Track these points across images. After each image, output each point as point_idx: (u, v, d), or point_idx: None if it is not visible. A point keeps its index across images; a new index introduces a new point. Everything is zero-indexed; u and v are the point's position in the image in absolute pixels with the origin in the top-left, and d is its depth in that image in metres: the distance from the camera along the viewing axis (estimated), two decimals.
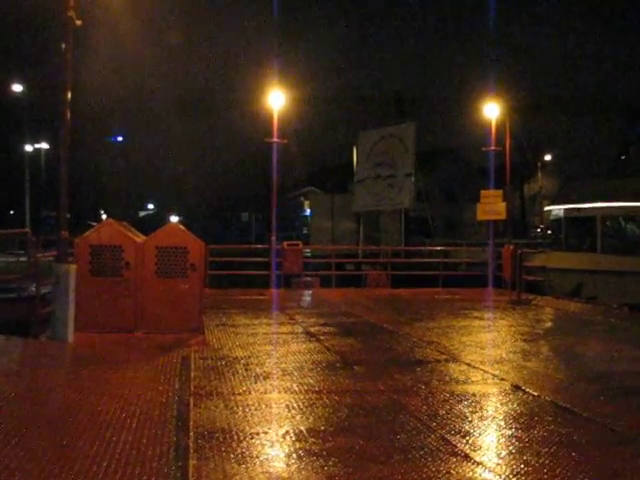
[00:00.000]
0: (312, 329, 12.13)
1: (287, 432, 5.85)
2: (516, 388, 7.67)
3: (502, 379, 8.15)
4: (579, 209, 29.39)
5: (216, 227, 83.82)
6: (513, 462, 5.23)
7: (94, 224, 13.70)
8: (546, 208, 36.54)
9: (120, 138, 72.14)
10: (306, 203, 62.27)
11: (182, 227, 12.01)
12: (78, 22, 10.49)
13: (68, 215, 10.91)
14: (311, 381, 7.85)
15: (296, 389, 7.44)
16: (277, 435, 5.78)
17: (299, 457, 5.24)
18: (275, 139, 22.15)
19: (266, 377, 8.04)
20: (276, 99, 21.99)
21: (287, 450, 5.42)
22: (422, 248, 31.60)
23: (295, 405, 6.74)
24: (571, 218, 30.02)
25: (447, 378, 8.18)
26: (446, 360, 9.38)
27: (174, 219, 73.24)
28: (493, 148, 23.52)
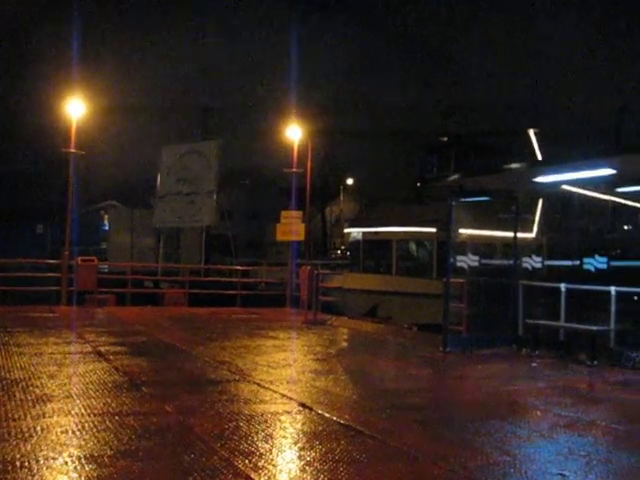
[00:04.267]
0: (102, 349, 11.70)
1: (64, 459, 5.54)
2: (303, 407, 7.78)
3: (291, 398, 8.24)
4: (376, 232, 30.63)
5: (6, 239, 78.77)
6: None
7: None
8: (346, 230, 37.78)
9: None
10: (106, 217, 60.32)
11: None
12: None
13: None
14: (95, 403, 7.53)
15: (78, 412, 7.09)
16: (52, 463, 5.45)
17: None
18: (73, 149, 21.31)
19: (47, 400, 7.60)
20: (75, 108, 21.17)
21: (61, 479, 5.13)
22: (222, 267, 31.58)
23: (75, 429, 6.42)
24: (369, 241, 31.22)
25: (236, 398, 8.15)
26: (237, 380, 9.37)
27: None
28: (295, 169, 24.02)
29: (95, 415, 6.99)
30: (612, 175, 11.26)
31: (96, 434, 6.28)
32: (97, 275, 20.78)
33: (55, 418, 6.85)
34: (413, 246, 30.19)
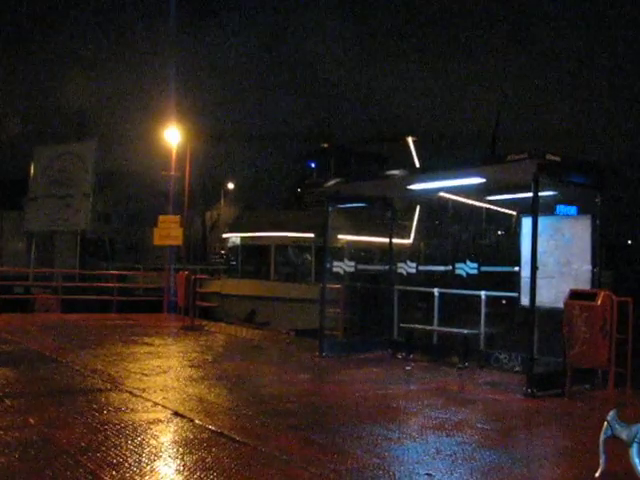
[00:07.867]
0: None
1: None
2: (176, 415, 7.65)
3: (163, 406, 8.08)
4: (255, 237, 30.58)
5: None
6: None
7: None
8: (224, 235, 37.53)
9: None
10: None
11: None
12: None
13: None
14: None
15: None
16: None
17: None
18: None
19: None
20: None
21: None
22: (97, 272, 30.72)
23: None
24: (247, 246, 31.13)
25: (106, 408, 7.91)
26: (108, 389, 9.10)
27: None
28: (173, 173, 23.69)
29: None
30: (482, 183, 11.65)
31: None
32: None
33: None
34: (291, 251, 30.31)
